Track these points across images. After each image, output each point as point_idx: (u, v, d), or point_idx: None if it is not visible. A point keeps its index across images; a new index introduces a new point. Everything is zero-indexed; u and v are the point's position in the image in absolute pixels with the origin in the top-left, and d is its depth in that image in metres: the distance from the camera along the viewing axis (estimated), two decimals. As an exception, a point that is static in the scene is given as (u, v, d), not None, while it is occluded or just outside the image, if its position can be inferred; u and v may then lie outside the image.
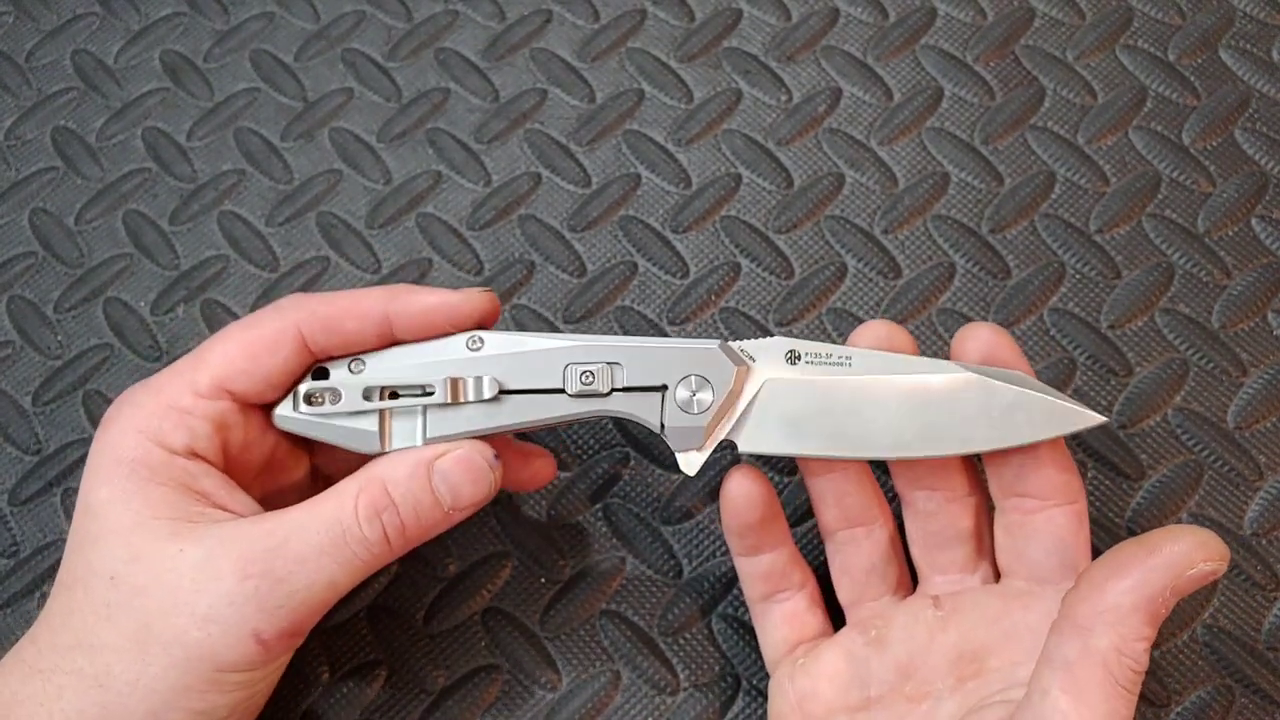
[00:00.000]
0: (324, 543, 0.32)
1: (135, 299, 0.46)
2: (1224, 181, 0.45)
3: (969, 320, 0.43)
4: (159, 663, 0.31)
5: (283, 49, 0.51)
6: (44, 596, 0.41)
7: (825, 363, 0.34)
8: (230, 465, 0.34)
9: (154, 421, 0.33)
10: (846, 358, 0.34)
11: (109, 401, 0.44)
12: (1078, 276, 0.44)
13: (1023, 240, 0.45)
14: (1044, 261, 0.44)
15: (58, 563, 0.41)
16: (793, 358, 0.34)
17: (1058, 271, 0.44)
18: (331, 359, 0.35)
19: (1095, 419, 0.34)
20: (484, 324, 0.35)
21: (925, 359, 0.34)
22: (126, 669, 0.31)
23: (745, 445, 0.34)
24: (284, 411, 0.35)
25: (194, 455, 0.33)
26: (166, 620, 0.31)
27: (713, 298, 0.45)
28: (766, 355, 0.35)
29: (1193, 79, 0.47)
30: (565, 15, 0.51)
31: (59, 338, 0.46)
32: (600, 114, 0.48)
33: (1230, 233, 0.44)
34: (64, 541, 0.42)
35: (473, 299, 0.34)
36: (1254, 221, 0.45)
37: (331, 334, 0.34)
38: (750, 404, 0.34)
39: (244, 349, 0.33)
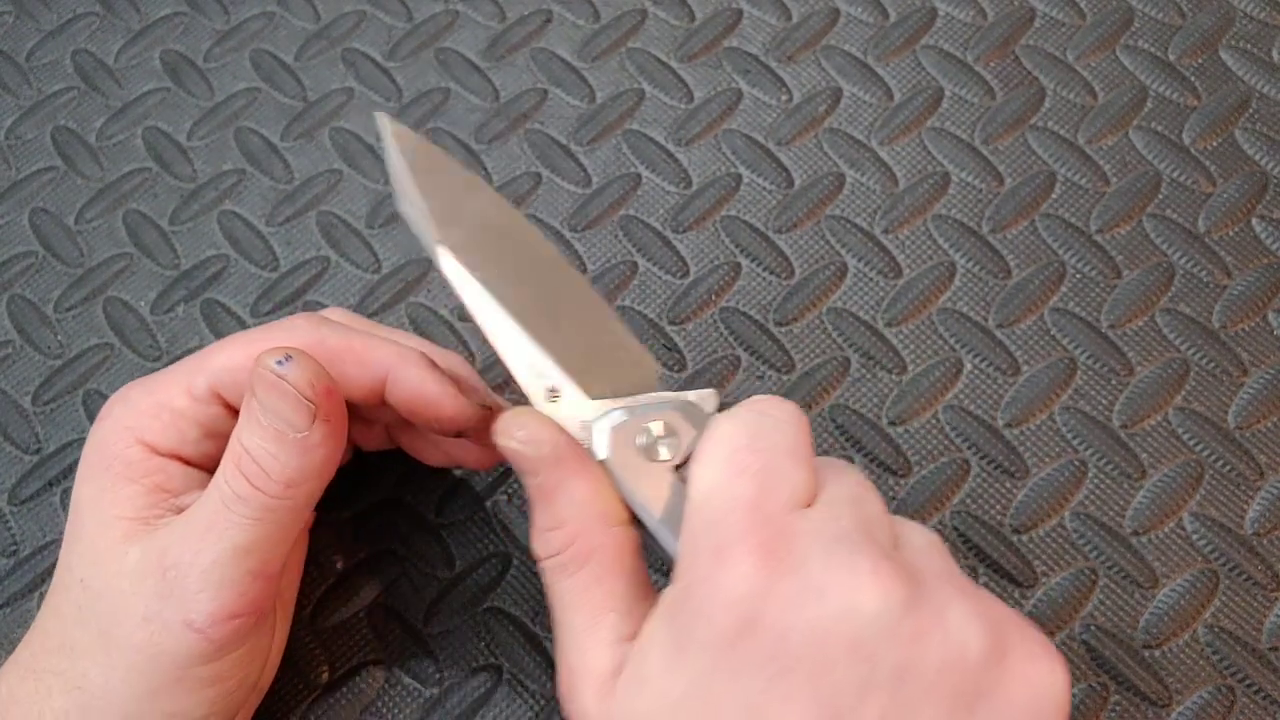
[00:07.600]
0: (211, 514, 0.31)
1: (135, 299, 0.46)
2: (1224, 181, 0.45)
3: (969, 320, 0.43)
4: (121, 666, 0.31)
5: (283, 49, 0.51)
6: (44, 596, 0.41)
7: None
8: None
9: (143, 420, 0.33)
10: None
11: (109, 401, 0.44)
12: (1078, 276, 0.44)
13: (1023, 240, 0.45)
14: (1044, 261, 0.44)
15: (56, 563, 0.42)
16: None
17: (1058, 271, 0.44)
18: None
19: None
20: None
21: None
22: (99, 673, 0.32)
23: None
24: None
25: (176, 457, 0.33)
26: (118, 624, 0.32)
27: (713, 297, 0.44)
28: None
29: (1193, 79, 0.47)
30: (565, 15, 0.50)
31: (59, 337, 0.45)
32: (600, 114, 0.48)
33: (1231, 233, 0.44)
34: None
35: (464, 412, 0.33)
36: (1254, 221, 0.45)
37: (331, 369, 0.32)
38: None
39: (248, 360, 0.33)
